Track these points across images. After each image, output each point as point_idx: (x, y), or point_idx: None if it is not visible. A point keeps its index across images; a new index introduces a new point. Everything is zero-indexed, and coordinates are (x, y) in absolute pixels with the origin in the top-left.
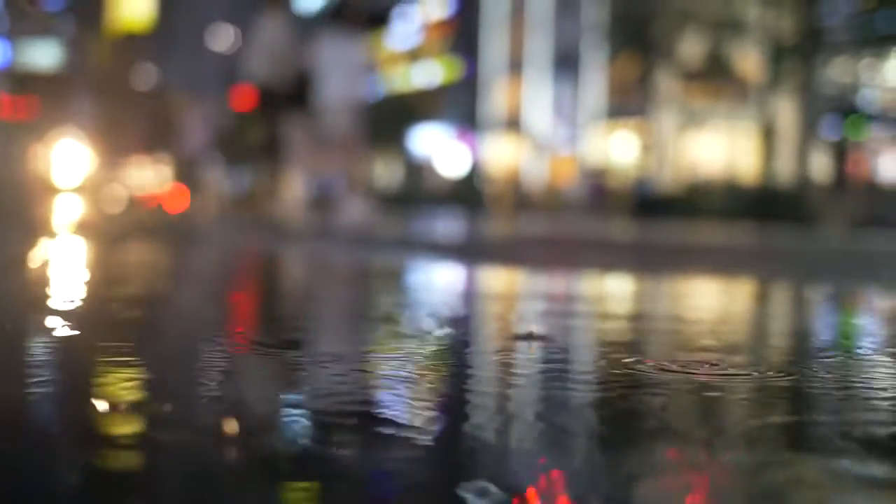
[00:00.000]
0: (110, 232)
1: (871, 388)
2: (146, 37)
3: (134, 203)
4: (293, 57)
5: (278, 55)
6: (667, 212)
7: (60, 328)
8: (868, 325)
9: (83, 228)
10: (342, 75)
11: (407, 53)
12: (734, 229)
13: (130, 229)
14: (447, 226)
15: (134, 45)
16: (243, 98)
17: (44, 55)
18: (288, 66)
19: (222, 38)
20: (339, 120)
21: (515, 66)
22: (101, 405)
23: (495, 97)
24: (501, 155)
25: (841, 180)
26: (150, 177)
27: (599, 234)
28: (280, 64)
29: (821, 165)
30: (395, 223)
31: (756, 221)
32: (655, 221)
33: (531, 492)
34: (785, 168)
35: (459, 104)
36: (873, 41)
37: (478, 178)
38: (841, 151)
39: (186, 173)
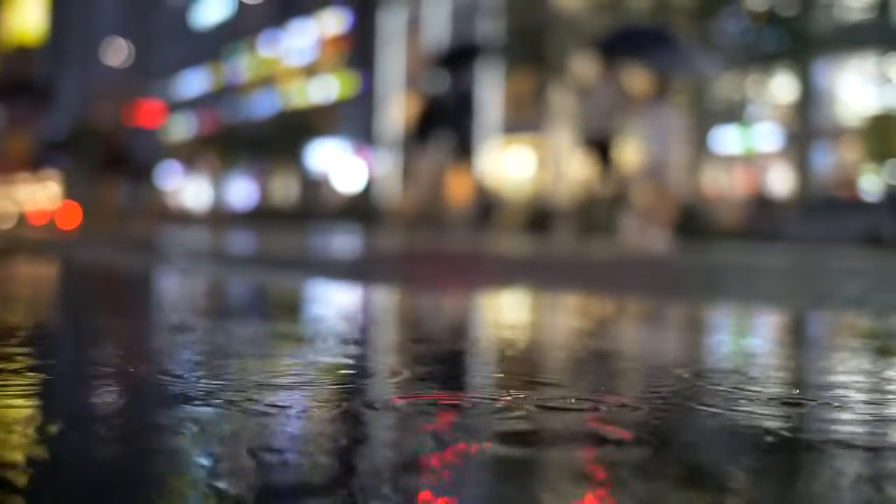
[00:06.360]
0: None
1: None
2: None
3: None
4: (616, 117)
5: (606, 114)
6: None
7: None
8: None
9: None
10: (657, 138)
11: (303, 68)
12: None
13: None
14: (341, 244)
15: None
16: (150, 113)
17: None
18: (612, 124)
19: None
20: (655, 175)
21: (412, 81)
22: None
23: (392, 112)
24: (398, 170)
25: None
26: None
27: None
28: (606, 121)
29: (711, 179)
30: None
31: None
32: (548, 236)
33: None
34: (677, 182)
35: (356, 119)
36: (761, 58)
37: (374, 193)
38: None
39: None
